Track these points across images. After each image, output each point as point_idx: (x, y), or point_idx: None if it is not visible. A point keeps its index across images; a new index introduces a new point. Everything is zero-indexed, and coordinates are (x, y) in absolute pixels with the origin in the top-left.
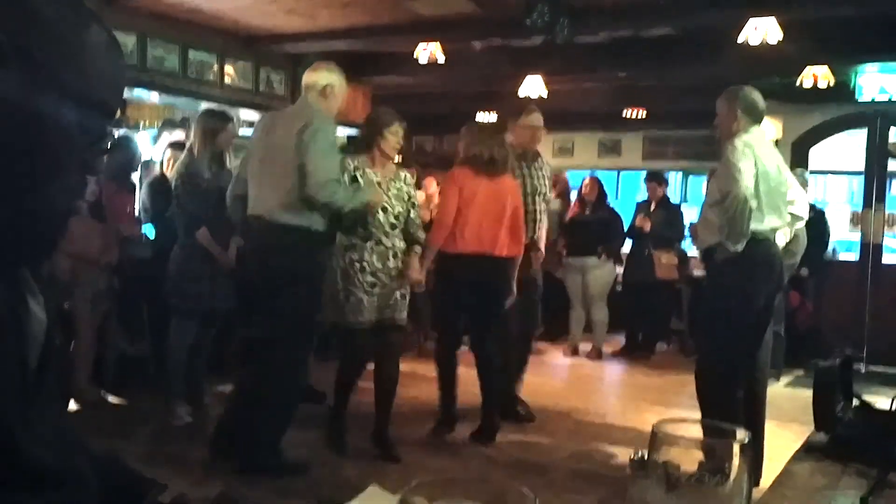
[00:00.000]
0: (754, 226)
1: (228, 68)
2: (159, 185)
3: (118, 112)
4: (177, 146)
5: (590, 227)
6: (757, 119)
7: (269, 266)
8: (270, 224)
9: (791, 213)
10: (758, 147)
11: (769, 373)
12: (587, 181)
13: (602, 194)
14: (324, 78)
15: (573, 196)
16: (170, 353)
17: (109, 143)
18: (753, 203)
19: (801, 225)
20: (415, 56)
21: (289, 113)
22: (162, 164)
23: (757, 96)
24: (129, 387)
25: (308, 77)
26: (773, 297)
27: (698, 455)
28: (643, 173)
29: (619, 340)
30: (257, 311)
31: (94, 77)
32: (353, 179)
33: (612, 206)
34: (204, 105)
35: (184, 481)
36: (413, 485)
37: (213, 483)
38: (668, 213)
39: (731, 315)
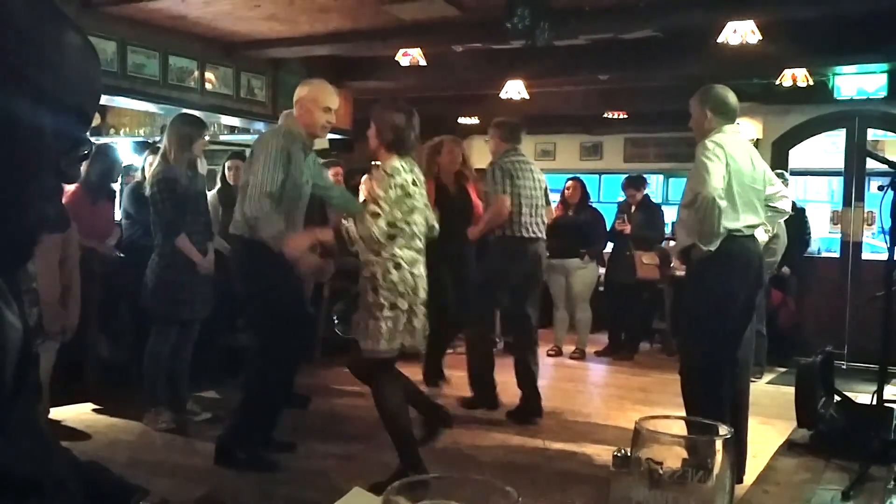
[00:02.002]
0: (730, 224)
1: (209, 74)
2: (141, 191)
3: (95, 118)
4: (157, 151)
5: (572, 228)
6: (729, 117)
7: (236, 278)
8: (235, 237)
9: (774, 208)
10: (729, 146)
11: (752, 370)
12: (570, 183)
13: (584, 196)
14: (295, 94)
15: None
16: (149, 359)
17: (87, 151)
18: (723, 203)
19: (782, 220)
20: (396, 60)
21: None
22: (143, 169)
23: (728, 94)
24: (111, 393)
25: None
26: (753, 295)
27: (681, 452)
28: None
29: (603, 340)
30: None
31: (70, 82)
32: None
33: (594, 207)
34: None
35: (165, 487)
36: (395, 485)
37: (195, 487)
38: (648, 214)
39: (711, 313)
